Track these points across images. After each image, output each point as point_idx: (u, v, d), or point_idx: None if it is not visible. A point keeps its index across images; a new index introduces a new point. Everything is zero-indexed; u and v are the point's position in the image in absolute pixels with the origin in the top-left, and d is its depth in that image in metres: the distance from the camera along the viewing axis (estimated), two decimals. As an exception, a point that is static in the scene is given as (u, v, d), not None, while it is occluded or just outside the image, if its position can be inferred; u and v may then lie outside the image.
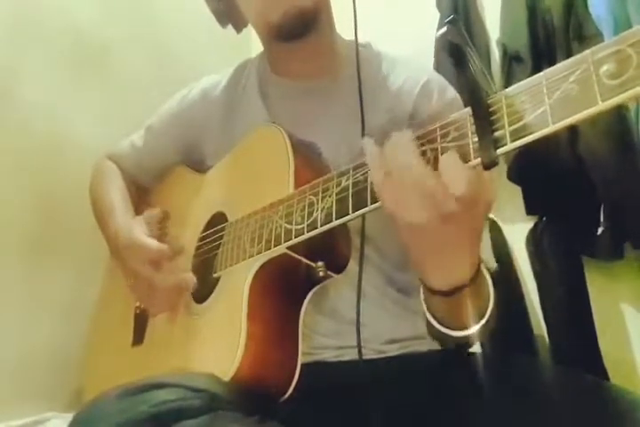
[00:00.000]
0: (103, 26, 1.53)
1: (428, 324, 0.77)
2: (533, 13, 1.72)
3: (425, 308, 0.76)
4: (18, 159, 1.27)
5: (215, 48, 1.35)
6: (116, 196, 1.13)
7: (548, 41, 1.69)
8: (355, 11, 0.94)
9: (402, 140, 0.60)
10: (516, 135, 0.52)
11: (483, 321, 0.73)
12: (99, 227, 1.14)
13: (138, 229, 0.98)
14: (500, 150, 0.54)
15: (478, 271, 0.69)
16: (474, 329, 0.72)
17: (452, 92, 1.01)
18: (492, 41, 1.86)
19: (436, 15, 1.91)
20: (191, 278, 0.90)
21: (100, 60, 1.51)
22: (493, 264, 0.87)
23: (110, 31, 1.54)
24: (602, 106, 0.46)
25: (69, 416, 0.67)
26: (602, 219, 1.60)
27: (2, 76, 1.26)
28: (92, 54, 1.49)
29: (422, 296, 0.75)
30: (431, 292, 0.70)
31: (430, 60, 1.85)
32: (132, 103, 1.53)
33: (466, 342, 0.77)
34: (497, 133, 0.54)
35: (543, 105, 0.50)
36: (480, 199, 0.59)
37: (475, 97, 0.54)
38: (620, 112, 1.57)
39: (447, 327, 0.74)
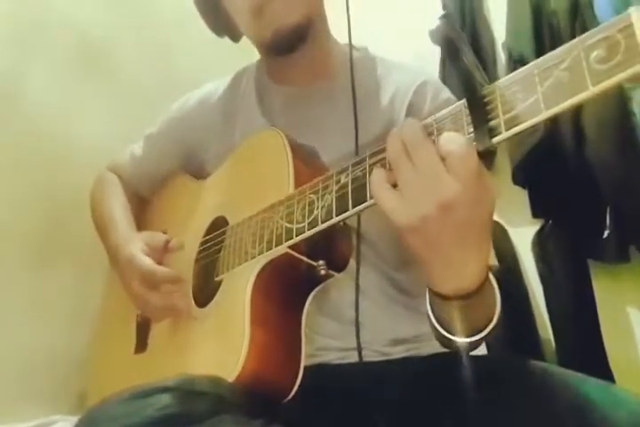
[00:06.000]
0: (107, 29, 1.54)
1: (434, 328, 0.75)
2: (539, 17, 1.72)
3: (430, 313, 0.74)
4: (22, 162, 1.27)
5: (219, 51, 1.36)
6: (117, 207, 1.14)
7: (553, 44, 1.69)
8: (348, 16, 0.94)
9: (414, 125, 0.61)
10: (510, 123, 0.53)
11: (489, 328, 0.71)
12: (99, 237, 1.14)
13: (136, 246, 0.98)
14: (495, 139, 0.55)
15: (487, 279, 0.67)
16: (479, 336, 0.71)
17: (446, 93, 1.01)
18: (499, 44, 1.86)
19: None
20: (184, 305, 0.91)
21: (105, 63, 1.52)
22: (494, 262, 0.86)
23: (115, 34, 1.55)
24: (592, 90, 0.47)
25: (74, 419, 0.67)
26: (608, 222, 1.60)
27: (6, 79, 1.27)
28: (97, 57, 1.50)
29: (428, 301, 0.73)
30: (438, 296, 0.68)
31: (435, 63, 1.86)
32: (136, 105, 1.54)
33: (472, 348, 0.76)
34: (492, 123, 0.55)
35: (535, 93, 0.51)
36: (481, 188, 0.58)
37: (469, 87, 0.56)
38: (626, 116, 1.58)
39: (452, 333, 0.72)
